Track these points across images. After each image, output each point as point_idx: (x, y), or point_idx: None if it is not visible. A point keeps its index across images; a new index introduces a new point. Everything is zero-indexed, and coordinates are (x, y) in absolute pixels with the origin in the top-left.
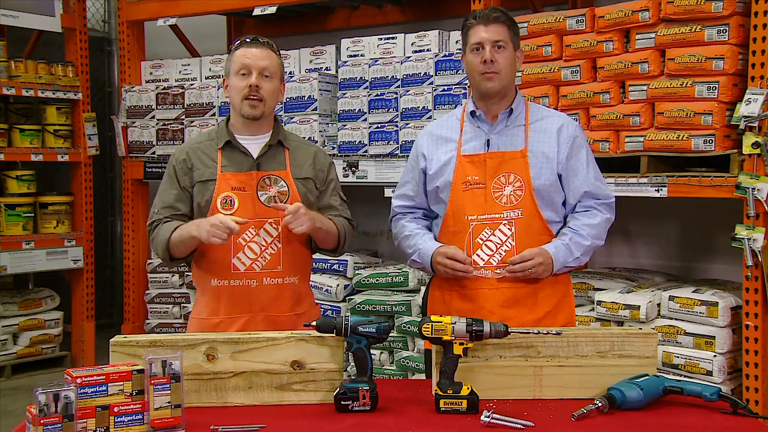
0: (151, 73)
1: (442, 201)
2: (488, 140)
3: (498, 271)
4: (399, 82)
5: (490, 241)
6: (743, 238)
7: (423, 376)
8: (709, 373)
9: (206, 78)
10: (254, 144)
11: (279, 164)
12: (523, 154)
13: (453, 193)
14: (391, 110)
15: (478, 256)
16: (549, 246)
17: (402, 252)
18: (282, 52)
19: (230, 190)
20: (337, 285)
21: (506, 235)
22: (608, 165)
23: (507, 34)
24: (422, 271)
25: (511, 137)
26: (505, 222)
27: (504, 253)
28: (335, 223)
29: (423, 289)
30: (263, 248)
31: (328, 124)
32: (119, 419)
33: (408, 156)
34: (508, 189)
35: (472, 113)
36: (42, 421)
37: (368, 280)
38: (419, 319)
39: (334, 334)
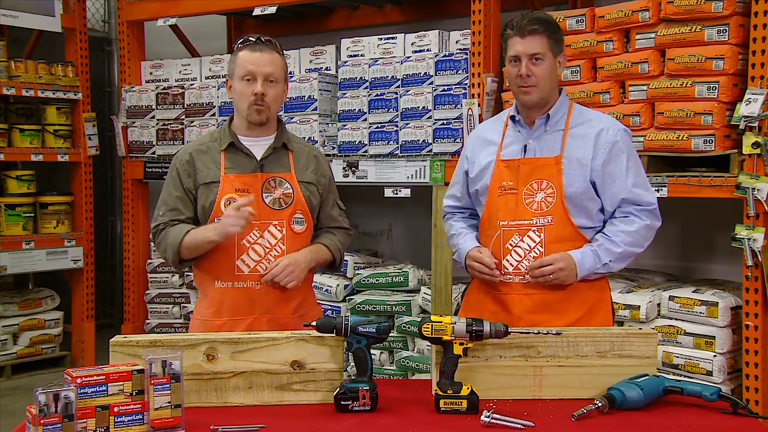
0: (151, 73)
1: (480, 204)
2: (525, 145)
3: (526, 277)
4: (399, 82)
5: (519, 246)
6: (743, 238)
7: (423, 376)
8: (709, 373)
9: (206, 78)
10: (258, 146)
11: (283, 167)
12: (558, 161)
13: (489, 197)
14: (391, 110)
15: (508, 261)
16: (575, 252)
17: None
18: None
19: (234, 192)
20: (337, 285)
21: (534, 242)
22: None
23: (546, 45)
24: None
25: (548, 142)
26: (534, 228)
27: (532, 260)
28: (330, 249)
29: (423, 288)
30: (267, 250)
31: (328, 124)
32: (119, 419)
33: (408, 156)
34: (539, 195)
35: (513, 118)
36: (42, 421)
37: (368, 280)
38: (420, 319)
39: (334, 334)
